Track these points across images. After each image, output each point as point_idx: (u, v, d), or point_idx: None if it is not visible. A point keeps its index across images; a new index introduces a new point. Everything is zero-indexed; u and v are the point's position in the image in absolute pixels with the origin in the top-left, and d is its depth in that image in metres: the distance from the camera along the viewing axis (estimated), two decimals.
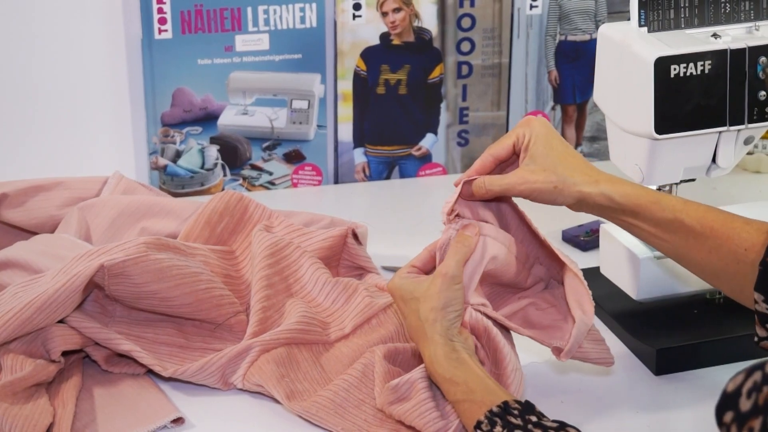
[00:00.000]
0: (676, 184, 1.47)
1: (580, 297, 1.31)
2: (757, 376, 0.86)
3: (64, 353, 1.39)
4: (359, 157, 1.97)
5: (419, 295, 1.27)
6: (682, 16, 1.42)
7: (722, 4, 1.42)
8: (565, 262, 1.31)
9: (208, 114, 1.90)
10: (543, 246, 1.35)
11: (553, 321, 1.33)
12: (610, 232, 1.49)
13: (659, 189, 1.49)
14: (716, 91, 1.38)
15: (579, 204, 1.31)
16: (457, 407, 1.22)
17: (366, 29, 1.91)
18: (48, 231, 1.64)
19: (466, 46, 1.95)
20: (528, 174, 1.29)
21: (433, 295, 1.26)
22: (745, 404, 0.86)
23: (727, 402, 0.87)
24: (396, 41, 1.92)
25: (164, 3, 1.83)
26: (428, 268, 1.33)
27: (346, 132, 1.96)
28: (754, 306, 1.23)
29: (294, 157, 1.95)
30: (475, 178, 1.32)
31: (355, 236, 1.58)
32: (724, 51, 1.38)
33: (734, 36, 1.41)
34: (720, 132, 1.42)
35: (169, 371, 1.38)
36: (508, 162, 1.34)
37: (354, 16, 1.90)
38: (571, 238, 1.74)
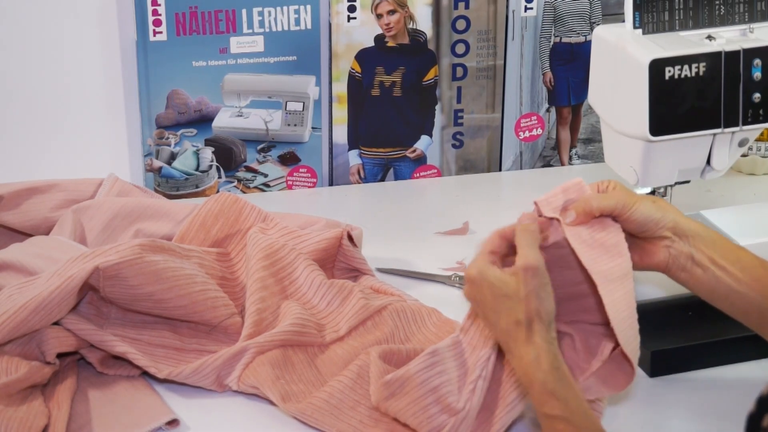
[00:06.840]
0: (671, 186, 1.47)
1: (610, 378, 1.25)
2: None
3: (59, 355, 1.38)
4: (354, 159, 1.97)
5: (511, 292, 1.16)
6: (677, 18, 1.42)
7: (717, 6, 1.42)
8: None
9: (202, 116, 1.90)
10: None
11: (575, 365, 1.26)
12: None
13: (654, 191, 1.49)
14: (711, 93, 1.38)
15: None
16: (548, 421, 1.14)
17: (361, 31, 1.91)
18: (43, 233, 1.64)
19: (460, 48, 1.95)
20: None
21: (526, 294, 1.15)
22: None
23: (764, 406, 0.85)
24: (391, 43, 1.92)
25: (159, 5, 1.83)
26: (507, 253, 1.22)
27: (340, 134, 1.96)
28: None
29: (289, 159, 1.95)
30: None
31: (350, 238, 1.58)
32: (719, 53, 1.38)
33: (729, 38, 1.41)
34: (714, 134, 1.42)
35: (164, 373, 1.37)
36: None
37: (349, 18, 1.90)
38: None
